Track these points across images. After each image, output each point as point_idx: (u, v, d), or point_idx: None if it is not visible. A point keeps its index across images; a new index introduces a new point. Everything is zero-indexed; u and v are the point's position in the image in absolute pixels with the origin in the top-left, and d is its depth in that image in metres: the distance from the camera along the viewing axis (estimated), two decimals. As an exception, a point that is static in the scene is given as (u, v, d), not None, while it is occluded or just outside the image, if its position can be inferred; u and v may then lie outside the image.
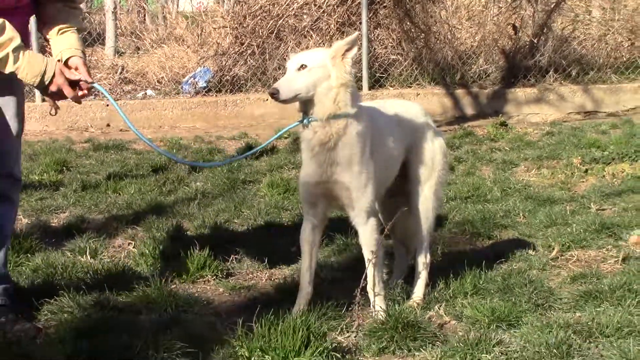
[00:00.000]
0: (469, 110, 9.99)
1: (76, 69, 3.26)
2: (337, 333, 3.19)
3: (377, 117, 3.44)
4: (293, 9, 10.42)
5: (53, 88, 3.18)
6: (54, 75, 3.15)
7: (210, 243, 4.52)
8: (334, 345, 2.96)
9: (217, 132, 9.05)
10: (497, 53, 10.58)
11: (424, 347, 3.06)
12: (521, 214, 5.11)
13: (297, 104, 3.25)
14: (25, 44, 3.17)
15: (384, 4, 10.47)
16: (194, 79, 10.27)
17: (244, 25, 10.48)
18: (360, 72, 9.67)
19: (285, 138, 7.66)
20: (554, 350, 2.91)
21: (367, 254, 3.33)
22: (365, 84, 9.77)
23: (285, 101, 3.17)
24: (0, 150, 3.33)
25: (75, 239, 4.62)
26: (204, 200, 5.62)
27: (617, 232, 4.60)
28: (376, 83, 10.15)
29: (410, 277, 3.76)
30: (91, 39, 12.05)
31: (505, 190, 5.74)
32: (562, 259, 4.24)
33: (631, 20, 11.05)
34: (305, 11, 10.44)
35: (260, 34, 10.33)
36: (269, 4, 10.51)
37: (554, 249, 4.32)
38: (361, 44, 9.47)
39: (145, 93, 10.45)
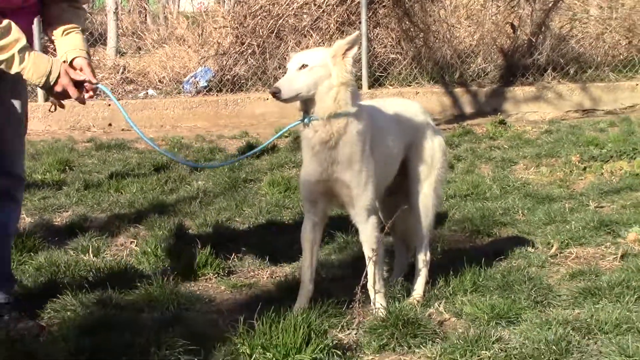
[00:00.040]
0: (468, 109, 9.98)
1: (81, 69, 3.26)
2: (337, 330, 3.19)
3: (377, 115, 3.43)
4: (293, 8, 10.41)
5: (58, 88, 3.19)
6: (59, 76, 3.16)
7: (211, 241, 4.52)
8: (334, 343, 2.96)
9: (218, 131, 9.05)
10: (496, 52, 10.58)
11: (424, 344, 3.05)
12: (520, 212, 5.10)
13: (297, 103, 3.25)
14: (30, 44, 3.17)
15: (383, 4, 10.47)
16: (195, 78, 10.27)
17: (245, 25, 10.48)
18: (359, 71, 9.66)
19: (286, 137, 7.65)
20: (553, 347, 2.90)
21: (368, 252, 3.33)
22: (364, 83, 9.76)
23: (286, 100, 3.17)
24: (5, 149, 3.32)
25: (78, 237, 4.62)
26: (205, 199, 5.62)
27: (615, 229, 4.60)
28: (376, 82, 10.14)
29: (410, 275, 3.75)
30: (93, 39, 12.04)
31: (505, 188, 5.74)
32: (561, 256, 4.23)
33: (628, 18, 11.05)
34: (305, 11, 10.44)
35: (261, 33, 10.32)
36: (269, 4, 10.50)
37: (552, 246, 4.32)
38: (361, 43, 9.44)
39: (147, 93, 10.45)
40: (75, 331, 3.11)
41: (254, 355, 2.83)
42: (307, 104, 3.21)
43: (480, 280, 3.68)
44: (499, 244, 4.43)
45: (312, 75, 3.16)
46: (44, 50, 8.48)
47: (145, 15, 16.08)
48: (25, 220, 5.08)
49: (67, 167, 6.76)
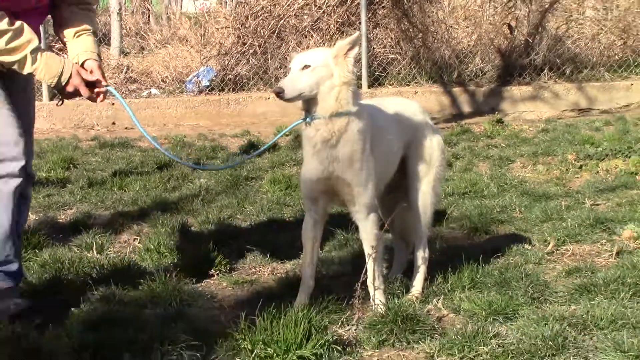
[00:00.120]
0: (466, 108, 9.97)
1: (91, 72, 3.27)
2: (338, 326, 3.18)
3: (377, 115, 3.42)
4: (294, 9, 10.40)
5: (70, 88, 3.21)
6: (70, 76, 3.16)
7: (213, 238, 4.51)
8: (334, 338, 2.95)
9: (220, 130, 9.04)
10: (493, 52, 10.56)
11: (422, 340, 3.05)
12: (517, 209, 5.09)
13: (299, 103, 3.24)
14: None
15: (383, 5, 10.45)
16: (198, 78, 10.26)
17: (246, 25, 10.47)
18: (359, 71, 9.65)
19: (287, 135, 7.64)
20: (550, 343, 2.90)
21: (368, 249, 3.33)
22: (364, 82, 9.75)
23: (290, 100, 3.16)
24: None
25: (82, 234, 4.61)
26: (207, 197, 5.61)
27: (610, 226, 4.59)
28: (375, 81, 10.13)
29: (409, 271, 3.74)
30: (97, 39, 12.02)
31: (502, 186, 5.73)
32: (557, 253, 4.22)
33: (623, 19, 11.04)
34: (305, 12, 10.42)
35: (262, 34, 10.31)
36: (271, 5, 10.49)
37: (549, 243, 4.31)
38: (360, 43, 9.45)
39: (150, 92, 10.44)
40: (79, 327, 3.10)
41: (255, 351, 2.82)
42: (309, 103, 3.20)
43: (478, 277, 3.67)
44: (497, 241, 4.42)
45: (314, 75, 3.15)
46: (49, 49, 8.46)
47: (149, 16, 16.07)
48: (30, 217, 5.06)
49: (71, 165, 6.76)
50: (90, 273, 3.87)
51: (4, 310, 3.22)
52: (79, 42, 3.34)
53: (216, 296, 3.67)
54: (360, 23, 9.86)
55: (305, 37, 10.24)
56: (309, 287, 3.39)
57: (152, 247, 4.22)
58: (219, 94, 10.10)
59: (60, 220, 5.10)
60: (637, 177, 5.91)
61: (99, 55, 3.37)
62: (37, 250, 4.24)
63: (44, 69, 3.13)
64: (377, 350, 3.02)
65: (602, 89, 10.08)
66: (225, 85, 10.19)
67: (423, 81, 10.26)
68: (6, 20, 3.04)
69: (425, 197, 3.62)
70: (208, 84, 10.19)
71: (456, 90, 10.07)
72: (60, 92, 3.27)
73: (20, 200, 3.34)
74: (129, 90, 10.46)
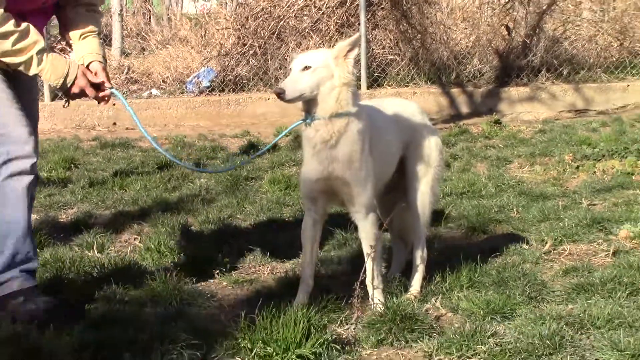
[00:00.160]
0: (464, 109, 9.97)
1: (95, 74, 3.28)
2: (337, 325, 3.18)
3: (376, 115, 3.42)
4: (294, 10, 10.40)
5: (75, 90, 3.22)
6: (76, 77, 3.18)
7: (214, 238, 4.52)
8: (334, 337, 2.95)
9: (220, 130, 9.03)
10: (491, 53, 10.56)
11: (421, 339, 3.04)
12: (515, 209, 5.09)
13: (299, 103, 3.23)
14: None
15: (382, 6, 10.45)
16: (198, 78, 10.25)
17: (246, 26, 10.46)
18: (359, 72, 9.64)
19: (287, 136, 7.63)
20: (547, 342, 2.89)
21: (366, 248, 3.32)
22: (363, 83, 9.75)
23: (290, 101, 3.16)
24: None
25: (83, 234, 4.60)
26: (207, 197, 5.60)
27: (607, 226, 4.58)
28: (374, 82, 10.13)
29: (407, 271, 3.74)
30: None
31: (500, 186, 5.72)
32: (554, 253, 4.22)
33: (620, 21, 11.04)
34: (305, 13, 10.42)
35: (262, 35, 10.30)
36: (271, 6, 10.49)
37: (546, 243, 4.31)
38: (360, 44, 9.45)
39: (151, 92, 10.43)
40: (80, 326, 3.10)
41: (255, 350, 2.81)
42: (309, 104, 3.20)
43: (476, 276, 3.66)
44: (494, 241, 4.42)
45: (315, 76, 3.15)
46: (50, 50, 8.46)
47: (150, 17, 16.07)
48: (32, 217, 5.06)
49: (72, 165, 6.75)
50: (91, 272, 3.87)
51: (34, 310, 3.20)
52: (84, 44, 3.35)
53: (216, 295, 3.66)
54: (359, 24, 9.85)
55: (305, 38, 10.24)
56: (309, 287, 3.39)
57: (153, 246, 4.21)
58: (219, 95, 10.09)
59: (62, 220, 5.10)
60: (633, 177, 5.91)
61: (104, 57, 3.38)
62: (38, 250, 4.22)
63: (50, 70, 3.13)
64: (375, 349, 3.02)
65: (598, 90, 10.08)
66: (226, 86, 10.18)
67: (422, 82, 10.25)
68: (12, 21, 3.04)
69: (423, 197, 3.62)
70: (208, 84, 10.18)
71: (454, 91, 10.07)
72: (65, 93, 3.27)
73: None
74: (129, 90, 10.46)
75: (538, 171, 6.30)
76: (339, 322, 3.20)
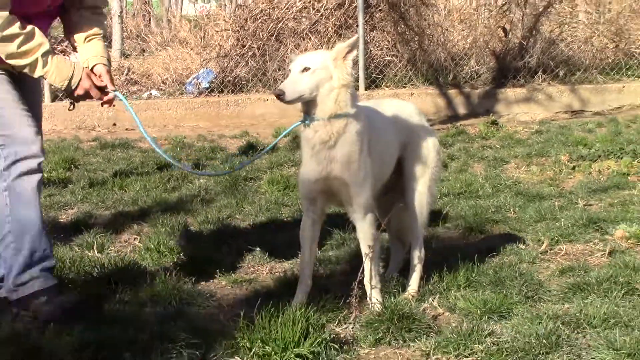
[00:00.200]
0: (461, 110, 9.97)
1: (99, 76, 3.28)
2: (335, 324, 3.18)
3: (374, 116, 3.42)
4: (292, 12, 10.39)
5: (80, 91, 3.24)
6: (80, 79, 3.18)
7: (213, 238, 4.52)
8: (332, 337, 2.95)
9: (219, 131, 9.03)
10: (488, 54, 10.57)
11: (418, 338, 3.04)
12: (512, 210, 5.09)
13: (299, 104, 3.23)
14: None
15: (380, 8, 10.45)
16: (197, 79, 10.25)
17: (245, 28, 10.46)
18: (357, 73, 9.64)
19: (286, 137, 7.63)
20: (544, 341, 2.89)
21: (365, 248, 3.32)
22: (361, 84, 9.75)
23: (290, 102, 3.16)
24: None
25: (83, 234, 4.60)
26: (207, 197, 5.60)
27: (603, 226, 4.58)
28: (372, 83, 10.13)
29: (405, 271, 3.73)
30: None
31: (497, 187, 5.72)
32: (551, 253, 4.22)
33: (615, 23, 11.05)
34: (304, 14, 10.42)
35: (261, 36, 10.30)
36: (269, 8, 10.49)
37: (543, 243, 4.31)
38: (358, 46, 9.46)
39: (150, 93, 10.43)
40: (80, 326, 3.09)
41: (254, 349, 2.81)
42: (308, 105, 3.20)
43: (473, 276, 3.66)
44: (491, 241, 4.42)
45: (314, 77, 3.14)
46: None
47: (149, 19, 16.07)
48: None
49: (72, 166, 6.74)
50: (91, 272, 3.86)
51: (56, 309, 3.20)
52: (89, 47, 3.36)
53: (215, 295, 3.66)
54: (357, 26, 9.85)
55: (304, 39, 10.24)
56: (307, 286, 3.38)
57: (152, 246, 4.21)
58: (219, 96, 10.09)
59: (62, 220, 5.09)
60: (629, 177, 5.91)
61: (108, 59, 3.39)
62: None
63: (55, 72, 3.14)
64: (373, 349, 3.02)
65: (594, 91, 10.08)
66: (225, 87, 10.18)
67: (419, 83, 10.25)
68: (18, 24, 3.05)
69: (421, 197, 3.61)
70: (208, 85, 10.18)
71: (452, 92, 10.07)
72: (69, 95, 3.28)
73: None
74: (129, 91, 10.45)
75: (535, 171, 6.30)
76: (337, 321, 3.20)
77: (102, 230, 4.68)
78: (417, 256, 3.63)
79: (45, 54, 3.10)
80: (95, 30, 3.37)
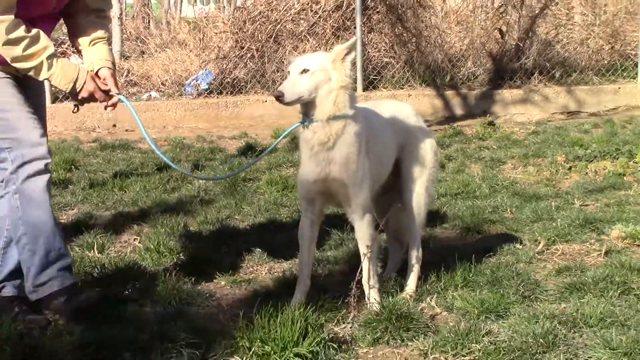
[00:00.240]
0: (458, 111, 9.98)
1: (104, 80, 3.28)
2: (333, 324, 3.18)
3: (372, 117, 3.42)
4: (290, 14, 10.40)
5: (84, 94, 3.24)
6: (85, 82, 3.19)
7: (212, 238, 4.51)
8: (330, 336, 2.95)
9: (218, 132, 9.03)
10: (485, 56, 10.58)
11: (416, 338, 3.04)
12: (508, 210, 5.09)
13: (298, 106, 3.23)
14: None
15: (377, 10, 10.46)
16: (196, 81, 10.25)
17: (244, 30, 10.46)
18: (354, 74, 9.63)
19: (284, 138, 7.63)
20: (541, 340, 2.89)
21: (363, 249, 3.32)
22: (359, 85, 9.75)
23: (289, 103, 3.15)
24: None
25: (84, 234, 4.59)
26: (206, 198, 5.60)
27: (599, 226, 4.59)
28: (370, 85, 10.13)
29: (403, 271, 3.73)
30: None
31: (493, 187, 5.73)
32: (547, 253, 4.22)
33: (611, 24, 11.07)
34: (302, 16, 10.42)
35: (260, 38, 10.30)
36: (268, 10, 10.49)
37: (540, 243, 4.31)
38: (356, 47, 9.46)
39: (150, 95, 10.42)
40: (80, 326, 3.09)
41: (253, 349, 2.81)
42: (307, 106, 3.20)
43: (471, 275, 3.66)
44: (488, 241, 4.42)
45: (313, 79, 3.14)
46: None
47: (149, 21, 16.06)
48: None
49: (72, 167, 6.73)
50: (91, 272, 3.86)
51: (77, 307, 3.21)
52: (94, 50, 3.36)
53: (215, 295, 3.66)
54: (355, 28, 9.85)
55: (302, 41, 10.24)
56: (306, 286, 3.38)
57: (152, 246, 4.20)
58: (218, 97, 10.08)
59: (62, 221, 5.08)
60: (624, 178, 5.92)
61: (113, 63, 3.39)
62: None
63: (60, 75, 3.15)
64: (372, 348, 3.02)
65: (590, 92, 10.10)
66: (224, 89, 10.18)
67: (416, 84, 10.26)
68: (23, 27, 3.05)
69: (419, 198, 3.61)
70: (207, 87, 10.18)
71: (449, 93, 10.08)
72: (74, 97, 3.28)
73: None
74: (129, 93, 10.45)
75: (531, 172, 6.31)
76: (335, 321, 3.20)
77: (102, 231, 4.67)
78: (415, 256, 3.63)
79: (50, 57, 3.11)
80: (100, 33, 3.38)
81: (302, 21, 10.36)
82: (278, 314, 2.90)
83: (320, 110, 3.16)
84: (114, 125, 9.46)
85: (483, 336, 2.97)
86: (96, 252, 4.28)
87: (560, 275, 3.81)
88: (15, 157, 3.16)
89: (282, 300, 3.16)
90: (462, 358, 2.89)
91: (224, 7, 13.38)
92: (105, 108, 3.38)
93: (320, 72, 3.16)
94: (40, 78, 3.16)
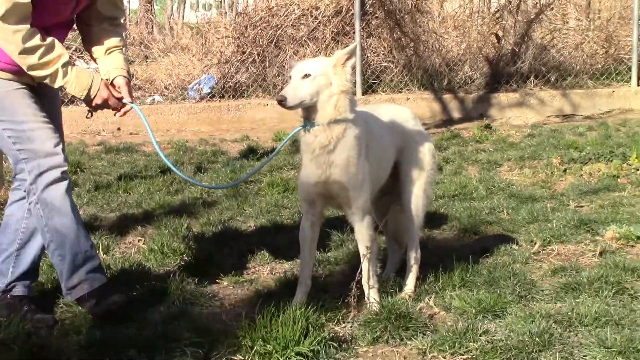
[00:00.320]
0: (456, 114, 9.99)
1: (118, 88, 3.29)
2: (334, 324, 3.18)
3: (371, 121, 3.43)
4: (291, 19, 10.41)
5: (98, 101, 3.25)
6: (99, 89, 3.20)
7: (215, 240, 4.52)
8: (331, 335, 2.95)
9: (220, 135, 9.04)
10: (482, 60, 10.59)
11: (415, 337, 3.05)
12: (505, 211, 5.10)
13: (299, 110, 3.24)
14: None
15: (376, 15, 10.47)
16: (199, 85, 10.26)
17: (246, 35, 10.47)
18: (354, 78, 9.64)
19: (285, 143, 7.63)
20: (537, 339, 2.90)
21: (362, 249, 3.32)
22: (358, 89, 9.76)
23: (291, 108, 3.16)
24: None
25: (89, 236, 4.59)
26: (208, 200, 5.60)
27: (594, 227, 4.60)
28: (369, 88, 10.14)
29: (402, 271, 3.74)
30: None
31: (490, 189, 5.73)
32: (543, 253, 4.23)
33: (605, 29, 11.08)
34: (302, 22, 10.43)
35: (261, 43, 10.31)
36: (269, 15, 10.50)
37: (535, 243, 4.32)
38: (356, 52, 9.47)
39: (154, 99, 10.43)
40: (86, 325, 3.10)
41: (255, 348, 2.81)
42: (308, 110, 3.20)
43: (468, 276, 3.67)
44: (485, 242, 4.43)
45: (314, 84, 3.15)
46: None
47: (152, 26, 16.06)
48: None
49: (78, 169, 6.74)
50: (96, 273, 3.85)
51: (108, 307, 3.23)
52: (110, 59, 3.36)
53: (217, 295, 3.66)
54: (354, 33, 9.87)
55: (302, 46, 10.25)
56: (307, 286, 3.39)
57: (156, 248, 4.21)
58: (220, 101, 10.09)
59: (68, 222, 5.08)
60: (619, 180, 5.93)
61: (128, 72, 3.39)
62: (45, 252, 4.21)
63: (75, 82, 3.15)
64: (371, 347, 3.02)
65: (585, 95, 10.11)
66: (226, 92, 10.18)
67: (415, 88, 10.27)
68: (39, 36, 3.05)
69: (417, 199, 3.62)
70: (209, 91, 10.18)
71: (446, 97, 10.09)
72: (88, 104, 3.29)
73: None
74: (133, 97, 10.44)
75: (527, 174, 6.31)
76: (336, 320, 3.20)
77: (108, 232, 4.68)
78: (414, 257, 3.64)
79: (65, 65, 3.11)
80: (115, 41, 3.37)
81: (302, 26, 10.37)
82: (280, 313, 2.91)
83: (322, 114, 3.17)
84: (119, 129, 9.47)
85: (480, 335, 2.98)
86: (101, 253, 4.28)
87: (556, 275, 3.81)
88: (32, 168, 3.17)
89: (284, 300, 3.17)
90: (460, 357, 2.89)
91: (226, 12, 13.39)
92: (115, 114, 3.39)
93: (322, 76, 3.16)
94: (56, 86, 3.16)
